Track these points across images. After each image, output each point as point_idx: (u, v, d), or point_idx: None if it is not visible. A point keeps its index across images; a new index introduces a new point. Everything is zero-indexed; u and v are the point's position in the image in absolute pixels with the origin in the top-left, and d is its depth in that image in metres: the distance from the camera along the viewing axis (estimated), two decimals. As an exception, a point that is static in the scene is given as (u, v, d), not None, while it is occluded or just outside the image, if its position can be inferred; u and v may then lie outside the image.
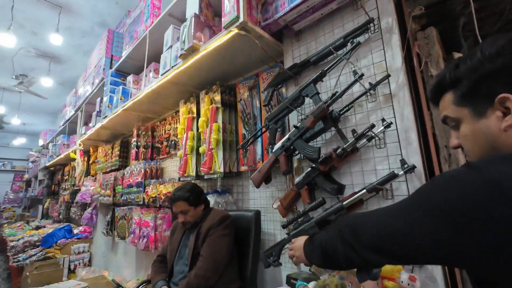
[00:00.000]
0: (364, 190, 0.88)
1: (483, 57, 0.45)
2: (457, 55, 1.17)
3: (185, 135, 1.97)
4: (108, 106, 2.74)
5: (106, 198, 3.08)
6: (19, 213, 8.15)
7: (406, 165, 0.92)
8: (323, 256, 0.64)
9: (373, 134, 0.99)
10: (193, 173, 1.85)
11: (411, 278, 0.81)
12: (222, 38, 1.37)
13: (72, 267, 3.38)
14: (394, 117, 1.00)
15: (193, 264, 1.30)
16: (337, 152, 1.02)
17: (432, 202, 0.40)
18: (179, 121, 2.17)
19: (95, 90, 3.26)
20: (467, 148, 0.51)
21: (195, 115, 1.99)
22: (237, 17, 1.27)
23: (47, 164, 5.65)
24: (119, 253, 3.16)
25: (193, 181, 1.80)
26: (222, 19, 1.36)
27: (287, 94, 1.42)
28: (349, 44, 1.11)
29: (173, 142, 2.41)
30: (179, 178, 2.02)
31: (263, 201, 1.62)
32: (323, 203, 0.92)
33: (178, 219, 1.48)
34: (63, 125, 4.84)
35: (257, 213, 1.48)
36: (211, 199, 1.73)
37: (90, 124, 3.57)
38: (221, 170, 1.65)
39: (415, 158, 0.94)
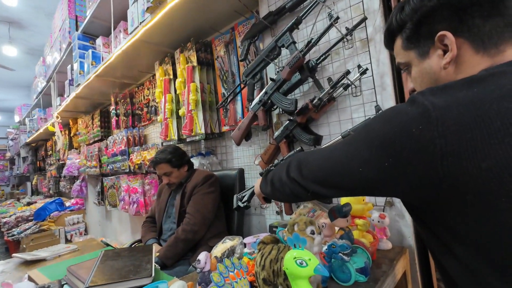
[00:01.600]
0: (340, 137, 0.89)
1: None
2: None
3: (163, 98, 1.90)
4: (80, 73, 2.57)
5: (93, 170, 3.06)
6: (8, 192, 8.08)
7: (380, 111, 0.92)
8: (272, 188, 0.66)
9: (349, 82, 0.98)
10: (175, 136, 1.83)
11: (381, 216, 0.86)
12: (190, -14, 1.25)
13: (68, 237, 3.47)
14: (370, 62, 0.98)
15: (181, 221, 1.34)
16: (314, 102, 1.01)
17: (373, 134, 0.41)
18: (156, 85, 2.08)
19: (64, 57, 3.02)
20: (417, 90, 0.52)
21: (171, 76, 1.90)
22: (204, -41, 1.14)
23: (27, 141, 5.47)
24: (113, 220, 3.24)
25: (176, 145, 1.78)
26: (188, -37, 1.23)
27: (264, 47, 1.36)
28: (325, -15, 1.02)
29: (153, 108, 2.34)
30: (162, 143, 1.99)
31: (246, 159, 1.64)
32: (300, 151, 0.92)
33: (163, 181, 1.50)
34: (36, 98, 4.57)
35: (241, 171, 1.51)
36: (196, 161, 1.74)
37: (65, 95, 3.39)
38: (203, 131, 1.63)
39: (389, 103, 0.94)
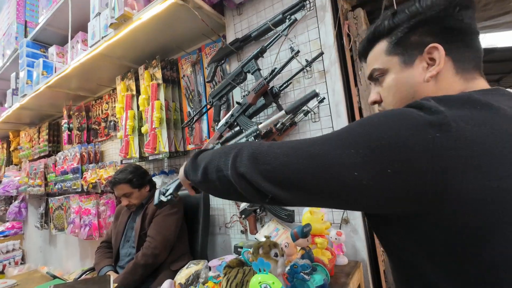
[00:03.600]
0: (283, 112, 0.74)
1: (421, 7, 0.46)
2: (381, 35, 1.29)
3: (124, 115, 1.82)
4: (27, 83, 2.34)
5: (37, 189, 2.74)
6: None
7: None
8: (204, 179, 0.51)
9: (308, 109, 1.07)
10: (136, 154, 1.75)
11: (338, 233, 0.94)
12: (157, 7, 1.26)
13: (0, 267, 3.00)
14: (327, 92, 1.09)
15: (140, 245, 1.27)
16: (277, 126, 1.07)
17: (376, 133, 0.35)
18: (117, 100, 1.99)
19: (8, 64, 2.73)
20: (387, 100, 0.51)
21: (134, 92, 1.84)
22: (173, -16, 1.17)
23: (-48, 154, 4.68)
24: (58, 246, 2.90)
25: (137, 163, 1.71)
26: (156, -15, 1.25)
27: (230, 70, 1.41)
28: (287, 20, 1.13)
29: (112, 123, 2.22)
30: (121, 161, 1.89)
31: (211, 178, 1.63)
32: (239, 132, 0.79)
33: (122, 203, 1.42)
34: (-32, 106, 3.99)
35: (206, 190, 1.50)
36: (158, 180, 1.68)
37: (6, 105, 3.03)
38: (166, 149, 1.60)
39: (343, 130, 1.04)
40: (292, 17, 1.11)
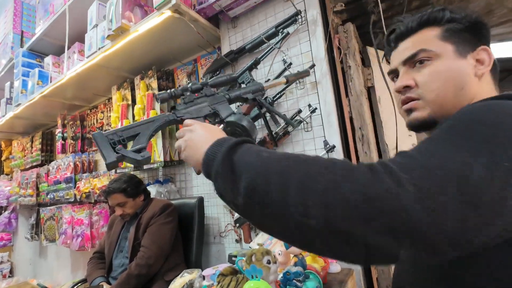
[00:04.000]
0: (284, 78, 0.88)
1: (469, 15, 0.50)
2: (371, 49, 1.35)
3: (120, 124, 1.83)
4: (22, 92, 2.34)
5: (28, 199, 2.69)
6: None
7: (328, 145, 1.05)
8: (255, 198, 0.32)
9: (301, 119, 1.10)
10: (130, 164, 1.75)
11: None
12: (154, 20, 1.30)
13: (-13, 281, 2.90)
14: (319, 102, 1.12)
15: (134, 256, 1.26)
16: (271, 135, 1.10)
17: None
18: (112, 109, 2.00)
19: (3, 73, 2.73)
20: (429, 87, 0.48)
21: (130, 102, 1.86)
22: (170, -1, 1.21)
23: None
24: (49, 257, 2.83)
25: (131, 172, 1.71)
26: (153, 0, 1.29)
27: (226, 81, 1.44)
28: (280, 33, 1.17)
29: (107, 132, 2.22)
30: (115, 170, 1.89)
31: (206, 187, 1.64)
32: (235, 78, 0.75)
33: (116, 212, 1.41)
34: (-40, 115, 3.94)
35: (200, 200, 1.50)
36: (153, 189, 1.68)
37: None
38: (161, 159, 1.60)
39: (335, 138, 1.08)
40: (285, 30, 1.16)
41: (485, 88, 0.47)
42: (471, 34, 0.48)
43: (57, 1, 2.11)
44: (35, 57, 2.45)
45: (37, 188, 2.64)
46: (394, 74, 0.55)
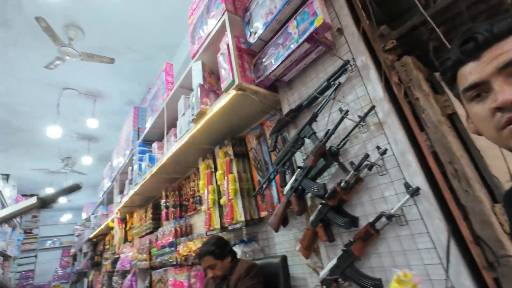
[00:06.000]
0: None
1: None
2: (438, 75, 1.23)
3: (206, 190, 2.09)
4: (138, 173, 3.01)
5: (143, 263, 3.16)
6: (67, 289, 8.39)
7: (410, 188, 0.93)
8: None
9: (371, 163, 1.03)
10: (217, 225, 1.92)
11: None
12: (224, 100, 1.57)
13: None
14: (388, 143, 1.05)
15: (226, 321, 1.28)
16: (341, 185, 1.06)
17: None
18: (200, 177, 2.32)
19: (127, 161, 3.61)
20: None
21: (213, 169, 2.13)
22: (233, 81, 1.47)
23: (90, 236, 5.99)
24: (160, 320, 3.09)
25: (219, 234, 1.85)
26: (221, 84, 1.58)
27: (290, 137, 1.53)
28: (332, 85, 1.22)
29: (198, 198, 2.54)
30: (206, 233, 2.08)
31: (288, 244, 1.61)
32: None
33: (208, 275, 1.51)
34: (101, 196, 5.25)
35: (283, 259, 1.47)
36: (238, 249, 1.75)
37: (125, 192, 3.88)
38: (243, 218, 1.70)
39: (418, 179, 0.95)
40: (336, 81, 1.20)
41: None
42: None
43: (159, 102, 2.80)
44: (146, 145, 3.18)
45: (150, 253, 3.09)
46: (476, 89, 0.46)
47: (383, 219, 0.98)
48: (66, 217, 10.37)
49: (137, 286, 3.79)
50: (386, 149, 1.01)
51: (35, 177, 7.41)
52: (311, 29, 1.22)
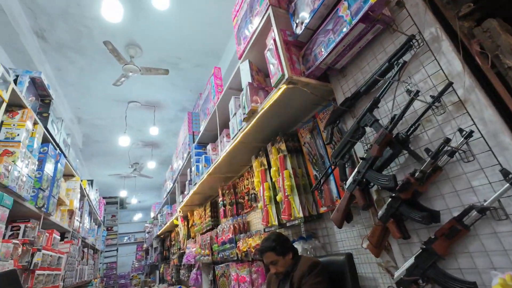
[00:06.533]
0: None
1: None
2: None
3: (261, 187, 2.11)
4: (196, 174, 3.20)
5: (206, 258, 3.36)
6: (142, 280, 9.47)
7: (510, 175, 0.77)
8: None
9: (453, 148, 0.89)
10: (275, 222, 1.91)
11: None
12: (274, 96, 1.55)
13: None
14: (474, 123, 0.89)
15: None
16: (415, 176, 0.94)
17: None
18: (254, 175, 2.35)
19: (185, 163, 3.89)
20: None
21: (266, 166, 2.14)
22: (283, 75, 1.44)
23: (158, 233, 6.64)
24: (225, 312, 3.25)
25: (277, 230, 1.85)
26: (271, 80, 1.56)
27: (347, 128, 1.43)
28: (395, 66, 1.10)
29: (253, 195, 2.58)
30: (264, 229, 2.10)
31: (351, 241, 1.51)
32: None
33: (270, 271, 1.51)
34: (165, 197, 5.77)
35: (349, 256, 1.38)
36: (298, 246, 1.72)
37: (185, 192, 4.18)
38: (301, 214, 1.66)
39: (519, 164, 0.78)
40: (400, 60, 1.08)
41: None
42: None
43: (210, 105, 2.93)
44: (202, 147, 3.36)
45: (211, 249, 3.27)
46: None
47: (473, 213, 0.84)
48: (137, 216, 11.73)
49: (202, 279, 4.06)
50: (472, 131, 0.86)
51: (111, 181, 8.56)
52: (366, 7, 1.11)
